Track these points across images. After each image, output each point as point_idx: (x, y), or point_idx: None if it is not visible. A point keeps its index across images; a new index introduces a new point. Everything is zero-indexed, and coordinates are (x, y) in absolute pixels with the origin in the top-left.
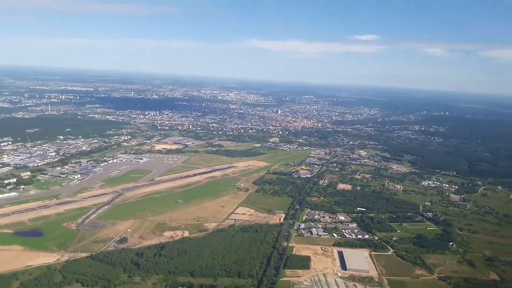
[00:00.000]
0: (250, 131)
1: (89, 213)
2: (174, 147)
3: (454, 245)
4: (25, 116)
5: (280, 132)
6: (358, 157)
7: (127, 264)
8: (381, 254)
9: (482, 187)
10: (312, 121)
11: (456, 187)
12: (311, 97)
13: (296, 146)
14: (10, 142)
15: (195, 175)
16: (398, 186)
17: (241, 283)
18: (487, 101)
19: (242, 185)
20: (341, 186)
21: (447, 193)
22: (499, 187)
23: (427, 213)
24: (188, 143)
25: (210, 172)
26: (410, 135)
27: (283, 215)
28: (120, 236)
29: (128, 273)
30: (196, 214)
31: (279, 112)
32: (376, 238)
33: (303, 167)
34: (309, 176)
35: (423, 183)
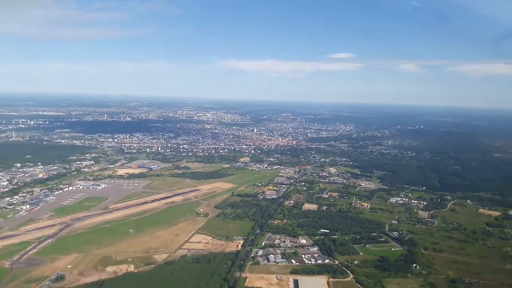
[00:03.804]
0: (221, 151)
1: (29, 248)
2: (138, 171)
3: (418, 267)
4: None
5: (252, 151)
6: (327, 174)
7: None
8: (340, 281)
9: (451, 202)
10: (287, 138)
11: (425, 203)
12: (289, 115)
13: (266, 165)
14: None
15: (153, 201)
16: (366, 204)
17: None
18: (459, 114)
19: (201, 210)
20: (307, 206)
21: (415, 210)
22: (468, 201)
23: (393, 233)
24: (153, 166)
25: (170, 197)
26: (383, 150)
27: (242, 242)
28: (57, 273)
29: None
30: (147, 245)
31: (255, 130)
32: (337, 262)
33: (270, 187)
34: (275, 197)
35: (391, 200)
